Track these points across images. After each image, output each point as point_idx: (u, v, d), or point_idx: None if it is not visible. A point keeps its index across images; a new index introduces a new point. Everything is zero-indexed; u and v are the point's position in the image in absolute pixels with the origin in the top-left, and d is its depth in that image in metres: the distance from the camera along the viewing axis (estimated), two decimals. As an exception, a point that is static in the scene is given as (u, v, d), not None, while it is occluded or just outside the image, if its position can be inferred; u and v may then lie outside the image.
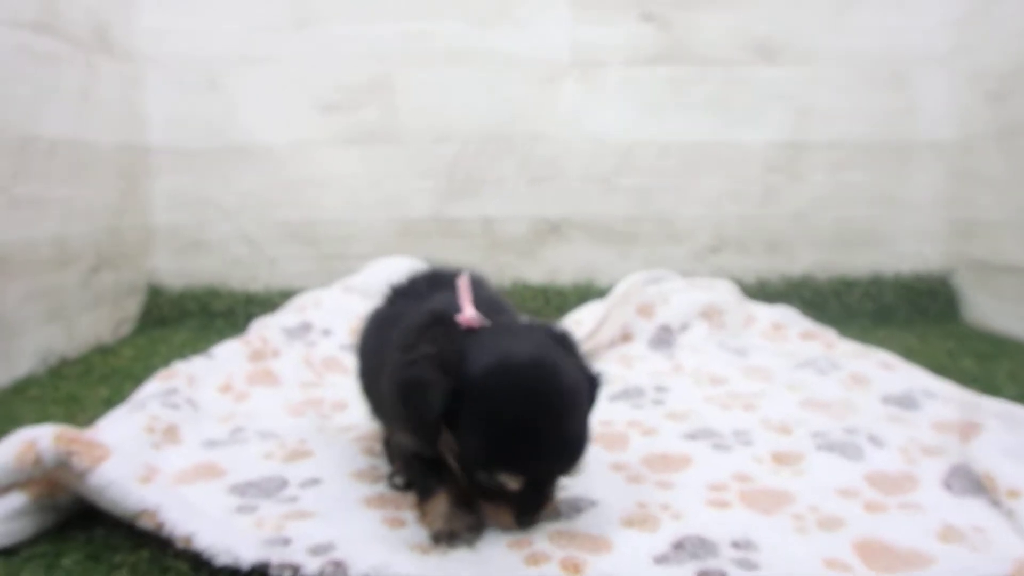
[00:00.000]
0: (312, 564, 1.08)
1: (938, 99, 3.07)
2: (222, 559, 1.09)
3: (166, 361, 2.30)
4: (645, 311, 2.49)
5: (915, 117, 3.10)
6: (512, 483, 1.14)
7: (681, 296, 2.53)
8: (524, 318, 1.40)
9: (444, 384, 1.12)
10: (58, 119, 2.44)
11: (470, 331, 1.23)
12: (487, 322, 1.25)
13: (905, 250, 3.16)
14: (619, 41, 3.06)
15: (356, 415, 1.79)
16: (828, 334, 2.49)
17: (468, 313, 1.26)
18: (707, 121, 3.11)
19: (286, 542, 1.15)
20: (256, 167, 3.12)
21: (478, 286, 1.43)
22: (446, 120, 3.10)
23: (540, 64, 3.07)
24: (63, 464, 1.18)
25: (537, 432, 1.12)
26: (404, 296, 1.52)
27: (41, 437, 1.19)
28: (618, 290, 2.51)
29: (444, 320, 1.26)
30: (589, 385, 1.23)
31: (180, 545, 1.12)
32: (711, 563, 1.10)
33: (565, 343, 1.26)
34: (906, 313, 2.99)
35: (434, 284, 1.50)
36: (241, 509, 1.30)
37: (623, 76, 3.08)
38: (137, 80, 2.98)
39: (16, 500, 1.19)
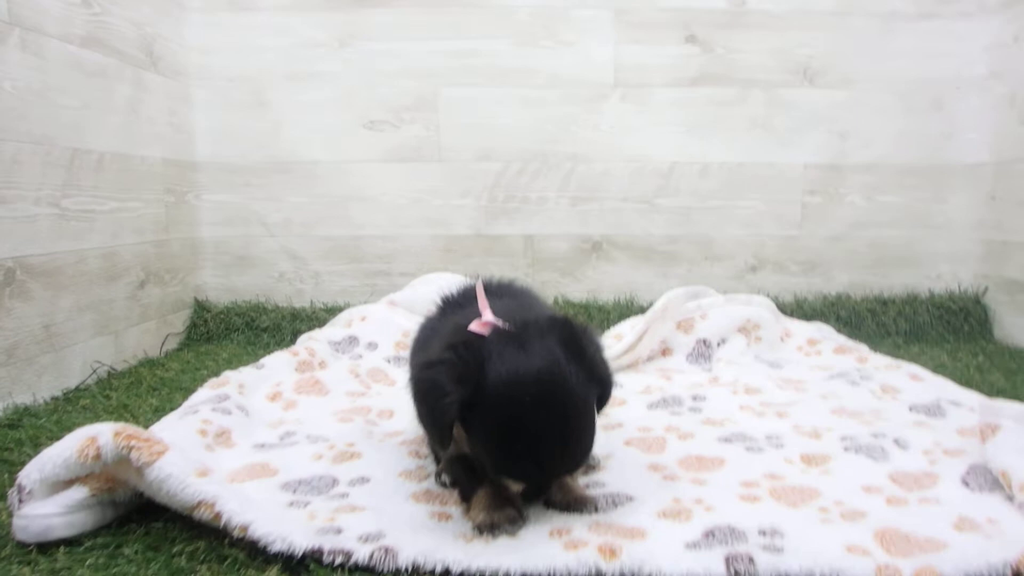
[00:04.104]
0: (363, 550, 1.13)
1: (975, 123, 3.09)
2: (277, 546, 1.13)
3: (214, 374, 2.35)
4: (684, 326, 2.53)
5: (952, 141, 3.13)
6: (514, 486, 1.26)
7: (719, 311, 2.57)
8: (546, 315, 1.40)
9: (460, 394, 1.18)
10: (107, 133, 2.51)
11: (482, 338, 1.26)
12: (501, 325, 1.28)
13: (940, 271, 3.19)
14: (662, 62, 3.10)
15: (403, 422, 1.82)
16: (861, 349, 2.52)
17: (486, 317, 1.30)
18: (748, 142, 3.13)
19: (338, 531, 1.20)
20: (301, 183, 3.17)
21: (510, 293, 1.54)
22: (489, 138, 3.14)
23: (584, 84, 3.11)
24: (123, 459, 1.22)
25: (540, 450, 1.20)
26: (453, 306, 1.58)
27: (101, 433, 1.23)
28: (658, 305, 2.53)
29: (461, 329, 1.31)
30: (600, 386, 1.28)
31: (237, 534, 1.16)
32: (739, 548, 1.15)
33: (579, 342, 1.28)
34: (939, 332, 3.04)
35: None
36: (293, 504, 1.35)
37: (666, 97, 3.11)
38: (184, 96, 3.05)
39: (77, 493, 1.23)
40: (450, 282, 2.64)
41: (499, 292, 1.54)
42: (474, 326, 1.27)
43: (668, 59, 3.09)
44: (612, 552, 1.13)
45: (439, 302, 1.62)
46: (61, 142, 2.26)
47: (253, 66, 3.12)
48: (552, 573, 1.10)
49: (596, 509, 1.31)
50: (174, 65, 2.96)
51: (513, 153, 3.15)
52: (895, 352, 2.60)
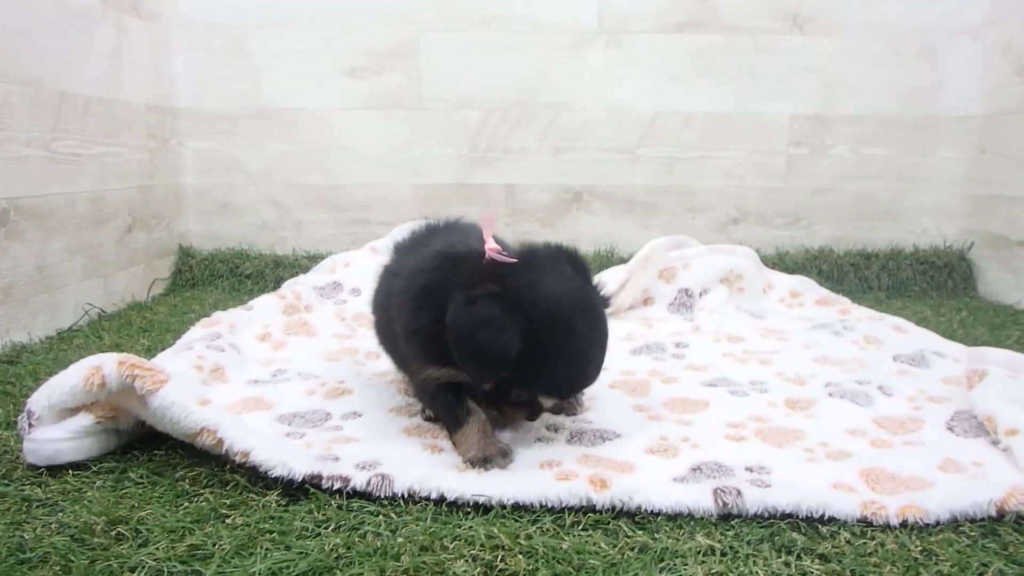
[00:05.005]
0: (360, 477, 1.18)
1: (967, 74, 3.05)
2: (278, 472, 1.17)
3: (201, 318, 2.38)
4: (667, 275, 2.55)
5: (942, 92, 3.09)
6: (549, 403, 1.37)
7: (702, 261, 2.59)
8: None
9: (519, 327, 1.22)
10: (92, 77, 2.50)
11: (507, 266, 1.30)
12: (507, 254, 1.33)
13: (925, 225, 3.18)
14: (648, 7, 3.06)
15: (390, 363, 1.85)
16: (843, 301, 2.56)
17: (491, 244, 1.34)
18: (733, 91, 3.12)
19: (335, 459, 1.25)
20: (282, 131, 3.16)
21: (460, 229, 1.61)
22: (471, 87, 3.13)
23: (567, 31, 3.08)
24: (127, 388, 1.26)
25: (587, 370, 1.33)
26: (406, 249, 1.63)
27: (106, 363, 1.27)
28: (640, 254, 2.55)
29: (456, 258, 1.38)
30: (605, 305, 1.41)
31: (238, 460, 1.20)
32: (727, 481, 1.19)
33: (585, 267, 1.41)
34: (922, 287, 3.04)
35: (432, 234, 1.61)
36: (290, 435, 1.40)
37: (650, 44, 3.08)
38: (164, 41, 3.01)
39: (84, 420, 1.28)
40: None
41: (449, 230, 1.62)
42: (491, 253, 1.31)
43: (653, 4, 3.05)
44: (603, 483, 1.17)
45: (391, 248, 1.68)
46: (49, 85, 2.26)
47: (232, 11, 3.07)
48: (544, 502, 1.14)
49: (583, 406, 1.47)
50: (154, 9, 2.93)
51: (494, 101, 3.14)
52: (877, 307, 2.63)
